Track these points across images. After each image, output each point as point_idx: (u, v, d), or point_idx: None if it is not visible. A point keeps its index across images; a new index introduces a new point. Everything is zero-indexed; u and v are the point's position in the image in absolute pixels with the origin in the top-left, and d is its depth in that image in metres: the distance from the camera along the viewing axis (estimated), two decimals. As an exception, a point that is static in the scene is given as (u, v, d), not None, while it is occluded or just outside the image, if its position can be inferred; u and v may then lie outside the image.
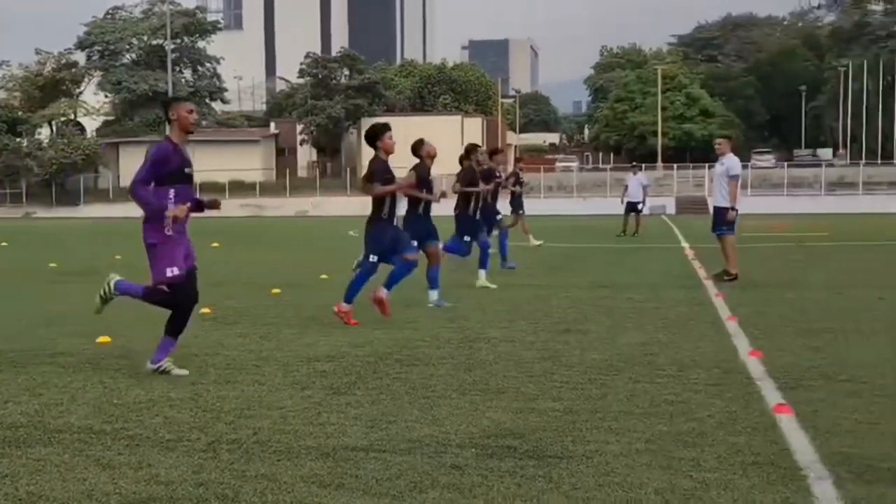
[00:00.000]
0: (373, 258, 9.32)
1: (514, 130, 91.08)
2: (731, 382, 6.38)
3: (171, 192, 6.67)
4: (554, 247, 21.68)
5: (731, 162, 13.44)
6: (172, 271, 6.67)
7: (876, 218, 42.60)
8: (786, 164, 67.68)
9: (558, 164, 76.60)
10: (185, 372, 6.82)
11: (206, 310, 9.54)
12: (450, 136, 54.78)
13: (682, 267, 16.13)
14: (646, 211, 27.68)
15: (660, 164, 69.49)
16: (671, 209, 55.43)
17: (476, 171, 12.93)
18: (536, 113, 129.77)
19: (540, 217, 33.06)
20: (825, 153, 71.32)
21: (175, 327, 6.90)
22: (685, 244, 22.29)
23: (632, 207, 26.27)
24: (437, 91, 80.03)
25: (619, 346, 7.93)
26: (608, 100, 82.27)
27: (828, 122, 78.01)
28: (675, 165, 65.30)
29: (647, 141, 75.74)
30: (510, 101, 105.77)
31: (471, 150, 13.19)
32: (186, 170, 6.80)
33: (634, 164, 30.60)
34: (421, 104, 79.08)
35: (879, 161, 67.89)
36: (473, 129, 66.96)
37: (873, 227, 31.22)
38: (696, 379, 6.51)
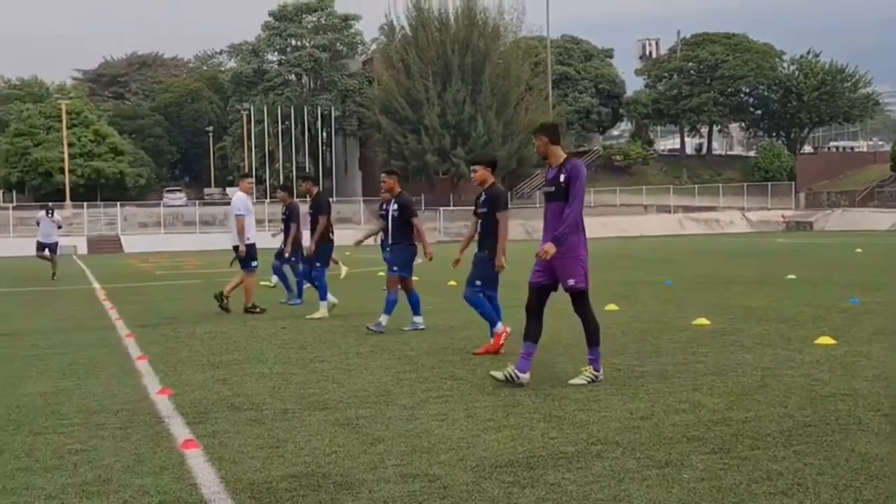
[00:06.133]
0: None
1: None
2: (139, 424, 6.29)
3: None
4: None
5: None
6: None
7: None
8: (197, 202, 69.42)
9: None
10: None
11: None
12: None
13: (93, 308, 15.60)
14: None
15: (69, 202, 66.54)
16: (83, 249, 53.51)
17: None
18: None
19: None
20: (233, 191, 74.31)
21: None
22: (97, 284, 21.63)
23: (45, 247, 25.14)
24: None
25: (20, 397, 7.38)
26: (7, 134, 76.50)
27: (234, 161, 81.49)
28: (84, 204, 63.14)
29: (53, 178, 71.91)
30: None
31: None
32: None
33: (48, 205, 29.68)
34: None
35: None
36: None
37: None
38: (104, 424, 6.31)
